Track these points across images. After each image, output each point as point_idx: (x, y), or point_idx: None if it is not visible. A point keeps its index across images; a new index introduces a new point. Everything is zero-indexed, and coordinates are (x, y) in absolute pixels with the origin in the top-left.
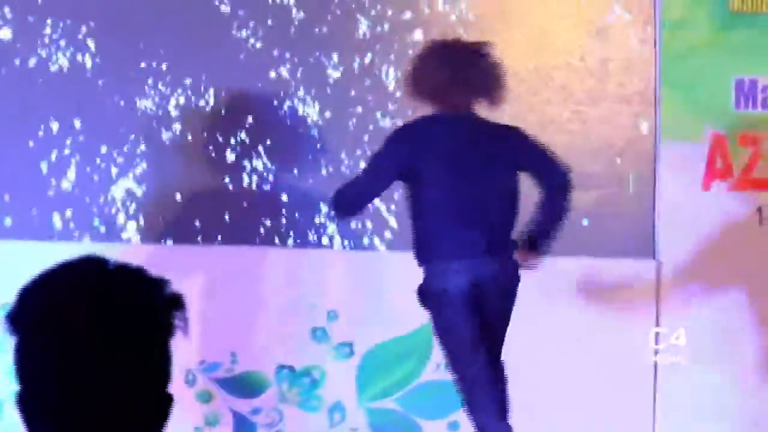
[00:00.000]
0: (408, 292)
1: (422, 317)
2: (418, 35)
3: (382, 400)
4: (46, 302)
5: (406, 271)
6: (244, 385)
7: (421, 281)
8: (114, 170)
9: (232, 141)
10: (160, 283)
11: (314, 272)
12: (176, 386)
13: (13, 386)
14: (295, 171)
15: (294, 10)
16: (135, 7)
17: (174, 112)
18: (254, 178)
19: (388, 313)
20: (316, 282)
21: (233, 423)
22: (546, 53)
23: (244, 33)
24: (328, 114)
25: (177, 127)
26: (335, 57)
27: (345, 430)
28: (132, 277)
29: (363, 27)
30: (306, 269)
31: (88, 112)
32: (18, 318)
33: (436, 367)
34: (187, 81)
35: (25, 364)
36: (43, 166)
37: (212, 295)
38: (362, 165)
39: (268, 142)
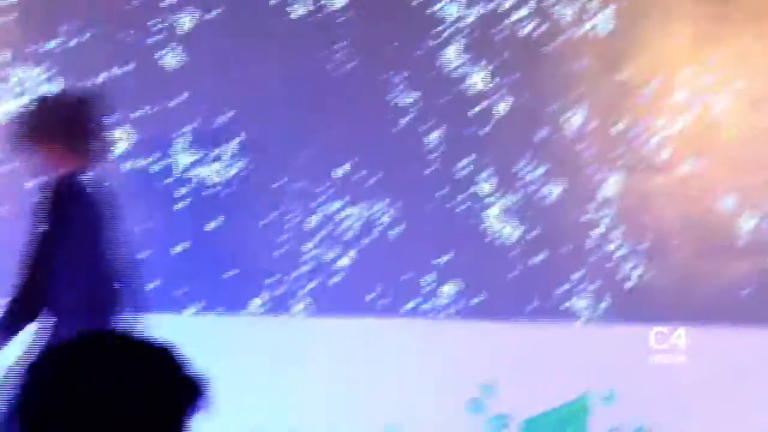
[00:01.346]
0: (562, 363)
1: (579, 388)
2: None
3: None
4: (56, 378)
5: (558, 343)
6: None
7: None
8: None
9: None
10: (182, 364)
11: (469, 344)
12: None
13: None
14: None
15: None
16: None
17: None
18: None
19: (543, 385)
20: (471, 354)
21: None
22: None
23: None
24: None
25: None
26: None
27: None
28: (153, 353)
29: None
30: (461, 341)
31: None
32: (27, 394)
33: None
34: None
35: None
36: None
37: (370, 367)
38: None
39: None
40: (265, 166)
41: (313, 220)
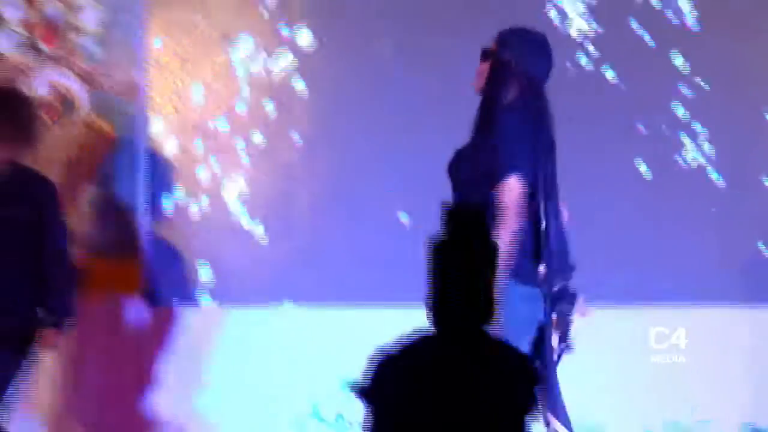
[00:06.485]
0: None
1: None
2: None
3: None
4: (403, 374)
5: None
6: None
7: None
8: None
9: None
10: (522, 359)
11: None
12: None
13: None
14: None
15: None
16: None
17: None
18: None
19: None
20: None
21: None
22: None
23: None
24: None
25: None
26: None
27: None
28: (493, 350)
29: None
30: None
31: None
32: (372, 390)
33: None
34: None
35: None
36: None
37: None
38: None
39: None
40: None
41: None
